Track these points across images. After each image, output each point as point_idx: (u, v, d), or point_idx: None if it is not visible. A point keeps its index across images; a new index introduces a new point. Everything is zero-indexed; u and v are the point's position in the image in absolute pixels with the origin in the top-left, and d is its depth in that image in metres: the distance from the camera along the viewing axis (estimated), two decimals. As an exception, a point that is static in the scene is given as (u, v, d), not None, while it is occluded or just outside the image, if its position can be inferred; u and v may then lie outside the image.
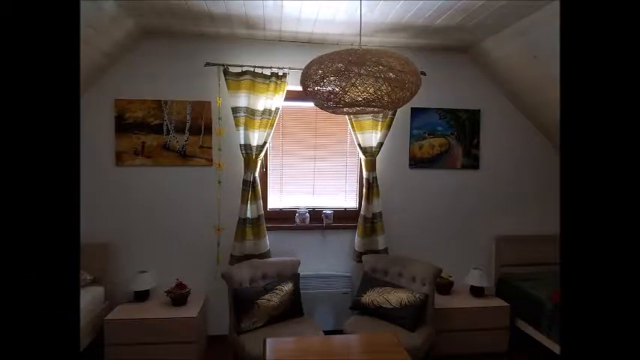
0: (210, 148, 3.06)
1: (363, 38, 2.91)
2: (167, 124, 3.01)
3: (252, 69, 2.90)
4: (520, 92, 3.22)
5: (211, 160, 3.07)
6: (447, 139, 3.34)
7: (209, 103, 3.03)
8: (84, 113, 2.89)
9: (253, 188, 2.95)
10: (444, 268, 2.92)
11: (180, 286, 2.88)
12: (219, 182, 3.09)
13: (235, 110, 2.91)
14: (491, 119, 3.39)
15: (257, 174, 2.97)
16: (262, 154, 2.98)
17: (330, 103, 1.81)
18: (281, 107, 3.00)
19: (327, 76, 1.72)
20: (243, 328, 2.50)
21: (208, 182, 3.09)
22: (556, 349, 2.62)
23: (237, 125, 2.92)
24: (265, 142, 2.97)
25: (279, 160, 3.25)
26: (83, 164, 2.92)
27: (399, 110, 3.15)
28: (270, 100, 2.93)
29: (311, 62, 1.82)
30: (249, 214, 2.95)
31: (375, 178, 3.11)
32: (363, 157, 3.12)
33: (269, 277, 2.80)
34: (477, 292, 3.11)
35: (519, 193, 3.47)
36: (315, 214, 3.23)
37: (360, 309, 2.78)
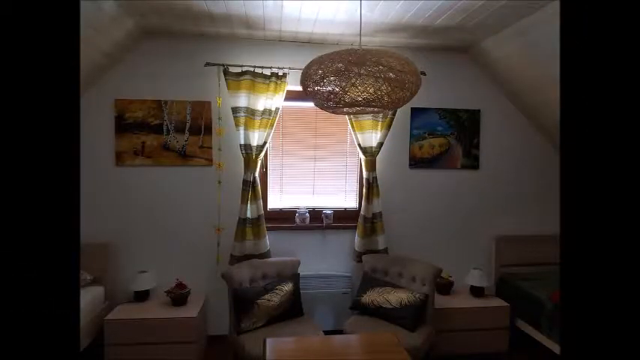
0: (210, 148, 3.06)
1: (363, 38, 2.91)
2: (167, 124, 3.01)
3: (252, 69, 2.90)
4: (520, 92, 3.22)
5: (211, 160, 3.07)
6: (447, 139, 3.34)
7: (209, 103, 3.03)
8: (84, 113, 2.89)
9: (253, 188, 2.95)
10: (444, 268, 2.92)
11: (180, 286, 2.88)
12: (219, 182, 3.09)
13: (235, 110, 2.91)
14: (491, 119, 3.39)
15: (257, 174, 2.97)
16: (262, 154, 2.98)
17: (330, 103, 1.81)
18: (281, 107, 3.00)
19: (327, 76, 1.72)
20: (243, 328, 2.50)
21: (208, 182, 3.09)
22: (556, 349, 2.62)
23: (237, 125, 2.92)
24: (265, 142, 2.97)
25: (279, 160, 3.25)
26: (83, 164, 2.92)
27: (399, 110, 3.15)
28: (270, 100, 2.93)
29: (311, 62, 1.82)
30: (249, 214, 2.95)
31: (375, 178, 3.11)
32: (363, 157, 3.12)
33: (269, 277, 2.80)
34: (477, 292, 3.10)
35: (519, 193, 3.47)
36: (315, 214, 3.23)
37: (360, 309, 2.78)
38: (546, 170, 3.48)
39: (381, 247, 3.13)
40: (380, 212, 3.12)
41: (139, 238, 3.05)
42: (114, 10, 2.39)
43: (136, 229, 3.05)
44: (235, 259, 2.93)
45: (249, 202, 2.94)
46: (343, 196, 3.36)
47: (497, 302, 3.02)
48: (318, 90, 1.79)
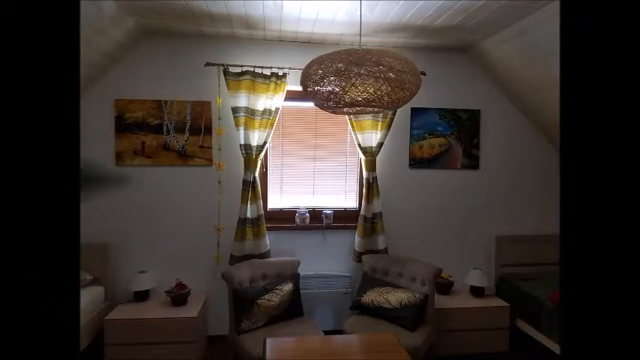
0: (210, 148, 3.06)
1: (363, 38, 2.91)
2: (167, 124, 3.01)
3: (252, 69, 2.90)
4: (520, 92, 3.22)
5: (211, 160, 3.07)
6: (447, 139, 3.34)
7: (209, 103, 3.03)
8: (84, 113, 2.89)
9: (253, 188, 2.95)
10: (444, 268, 2.92)
11: (180, 286, 2.88)
12: (219, 182, 3.09)
13: (235, 110, 2.91)
14: (491, 119, 3.39)
15: (257, 174, 2.97)
16: (262, 154, 2.98)
17: (330, 103, 1.81)
18: (281, 107, 3.00)
19: (327, 76, 1.72)
20: (243, 328, 2.50)
21: (208, 182, 3.09)
22: (556, 349, 2.62)
23: (237, 125, 2.92)
24: (265, 142, 2.97)
25: (279, 160, 3.25)
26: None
27: (399, 110, 3.15)
28: (270, 100, 2.93)
29: (311, 62, 1.82)
30: (249, 214, 2.95)
31: (375, 178, 3.11)
32: (363, 157, 3.12)
33: (269, 277, 2.80)
34: (477, 292, 3.10)
35: (519, 193, 3.47)
36: (315, 214, 3.23)
37: (360, 309, 2.78)
38: (546, 170, 3.48)
39: (381, 247, 3.13)
40: (380, 212, 3.12)
41: (139, 238, 3.05)
42: (114, 10, 2.39)
43: (136, 229, 3.04)
44: (235, 259, 2.93)
45: (249, 202, 2.94)
46: (343, 196, 3.36)
47: (497, 302, 3.02)
48: (318, 90, 1.79)
